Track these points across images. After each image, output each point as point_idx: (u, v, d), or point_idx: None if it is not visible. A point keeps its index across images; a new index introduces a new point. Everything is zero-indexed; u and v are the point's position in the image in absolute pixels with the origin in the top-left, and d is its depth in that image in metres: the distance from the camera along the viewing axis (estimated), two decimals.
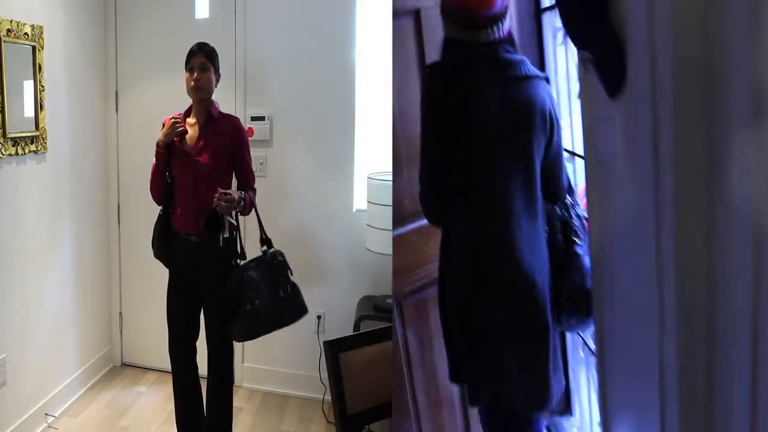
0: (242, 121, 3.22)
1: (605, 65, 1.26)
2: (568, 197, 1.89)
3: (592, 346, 2.19)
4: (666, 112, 1.05)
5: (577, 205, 1.91)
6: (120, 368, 3.57)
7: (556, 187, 1.83)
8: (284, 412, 3.15)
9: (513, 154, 1.73)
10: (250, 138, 3.21)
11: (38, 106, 2.78)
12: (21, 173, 2.70)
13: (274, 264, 2.35)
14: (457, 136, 1.73)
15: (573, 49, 2.12)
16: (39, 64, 2.77)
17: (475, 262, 1.77)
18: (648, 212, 1.13)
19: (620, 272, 1.38)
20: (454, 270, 1.81)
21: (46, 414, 2.89)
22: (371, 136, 3.15)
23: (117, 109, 3.46)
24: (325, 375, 2.32)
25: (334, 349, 1.82)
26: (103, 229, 3.46)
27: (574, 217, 1.88)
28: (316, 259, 3.21)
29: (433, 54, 2.07)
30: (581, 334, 2.30)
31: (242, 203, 2.32)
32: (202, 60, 2.35)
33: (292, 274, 2.40)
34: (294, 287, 2.37)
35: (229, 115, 2.52)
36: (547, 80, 1.80)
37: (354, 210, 3.17)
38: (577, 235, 1.85)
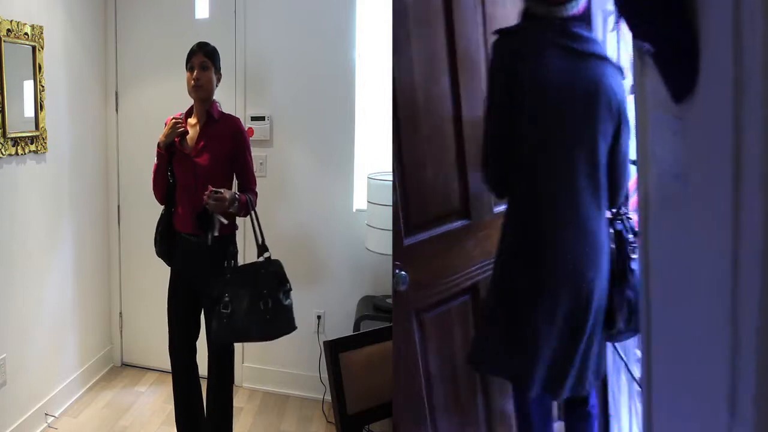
0: (242, 121, 3.23)
1: (671, 61, 0.98)
2: (623, 207, 1.84)
3: (636, 373, 2.07)
4: (754, 119, 0.79)
5: (631, 217, 1.83)
6: (120, 368, 3.57)
7: (614, 189, 1.76)
8: (284, 412, 3.15)
9: (576, 130, 1.69)
10: (250, 138, 3.22)
11: (38, 106, 2.78)
12: (21, 173, 2.70)
13: (260, 273, 2.28)
14: (520, 103, 1.69)
15: (626, 36, 1.95)
16: (39, 64, 2.77)
17: (528, 237, 1.74)
18: (724, 245, 0.88)
19: (679, 311, 1.09)
20: (510, 243, 1.79)
21: (46, 414, 2.89)
22: (371, 136, 3.15)
23: (117, 109, 3.46)
24: (325, 375, 2.32)
25: (334, 349, 1.82)
26: (103, 229, 3.46)
27: (630, 230, 1.81)
28: (316, 259, 3.21)
29: (466, 34, 1.99)
30: (623, 357, 2.16)
31: (236, 204, 2.29)
32: (203, 59, 2.34)
33: (288, 288, 2.33)
34: (277, 302, 2.27)
35: (230, 116, 2.50)
36: (622, 72, 1.73)
37: (354, 210, 3.17)
38: (634, 250, 1.78)
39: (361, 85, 3.13)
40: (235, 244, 2.43)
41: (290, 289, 2.34)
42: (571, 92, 1.66)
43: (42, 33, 2.77)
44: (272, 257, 2.35)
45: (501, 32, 1.76)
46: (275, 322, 2.27)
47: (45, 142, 2.83)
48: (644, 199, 1.24)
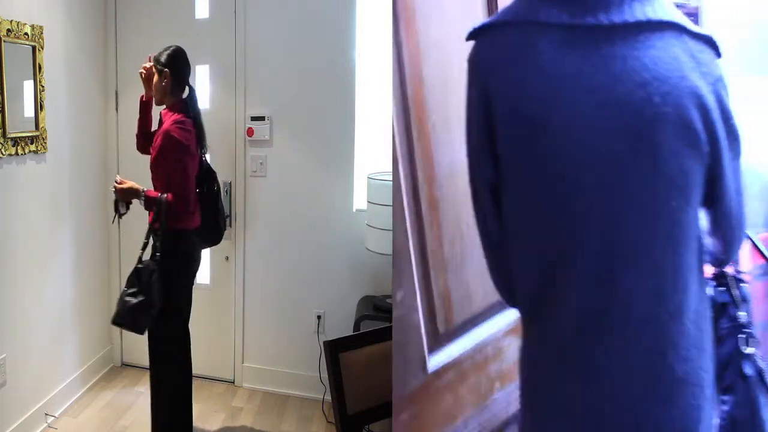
0: (242, 121, 3.24)
1: None
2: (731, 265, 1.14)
3: None
4: None
5: (744, 282, 1.15)
6: (120, 368, 3.57)
7: (723, 242, 1.05)
8: (284, 412, 3.15)
9: (627, 194, 0.92)
10: (249, 138, 3.23)
11: (38, 106, 2.78)
12: (21, 173, 2.70)
13: (143, 268, 2.44)
14: (512, 150, 1.00)
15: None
16: (39, 64, 2.77)
17: (543, 396, 1.04)
18: None
19: None
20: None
21: (46, 414, 2.89)
22: (371, 136, 3.15)
23: (117, 109, 3.46)
24: (325, 375, 2.33)
25: (334, 349, 1.82)
26: (103, 229, 3.46)
27: (740, 303, 1.12)
28: (316, 259, 3.21)
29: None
30: None
31: (141, 199, 2.42)
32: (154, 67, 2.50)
33: (138, 290, 2.41)
34: (138, 299, 2.40)
35: (169, 120, 2.48)
36: (714, 47, 0.96)
37: (354, 210, 3.17)
38: (750, 340, 1.10)
39: (361, 85, 3.13)
40: (159, 239, 2.44)
41: (137, 291, 2.42)
42: (603, 122, 0.90)
43: (42, 33, 2.77)
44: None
45: (475, 34, 1.05)
46: (126, 315, 2.43)
47: (45, 142, 2.83)
48: None
